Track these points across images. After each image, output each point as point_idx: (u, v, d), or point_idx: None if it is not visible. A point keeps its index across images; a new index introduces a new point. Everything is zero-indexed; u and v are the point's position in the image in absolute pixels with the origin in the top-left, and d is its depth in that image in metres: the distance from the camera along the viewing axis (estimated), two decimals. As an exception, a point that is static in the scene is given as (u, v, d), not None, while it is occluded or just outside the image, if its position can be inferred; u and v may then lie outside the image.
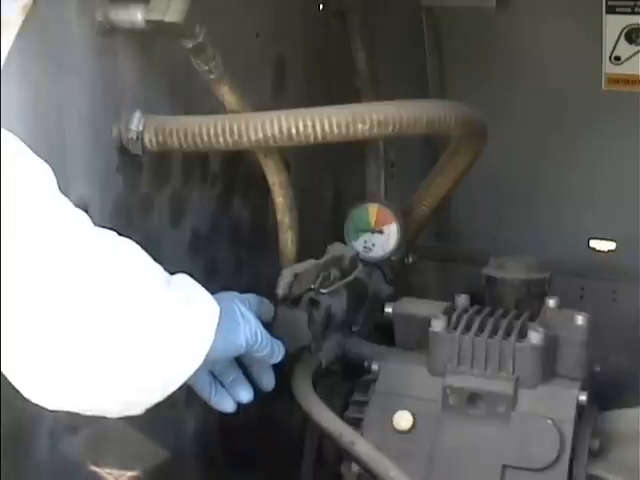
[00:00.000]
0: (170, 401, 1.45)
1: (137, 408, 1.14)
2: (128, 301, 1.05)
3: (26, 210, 0.97)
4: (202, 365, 1.15)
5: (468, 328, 1.45)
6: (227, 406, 1.34)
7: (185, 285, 1.17)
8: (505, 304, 1.59)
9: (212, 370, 1.33)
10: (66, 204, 1.03)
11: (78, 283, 1.01)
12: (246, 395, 1.35)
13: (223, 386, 1.34)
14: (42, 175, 1.01)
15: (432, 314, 1.47)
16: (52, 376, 1.03)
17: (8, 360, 1.00)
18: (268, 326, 1.33)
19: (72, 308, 1.00)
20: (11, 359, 1.00)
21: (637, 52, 1.90)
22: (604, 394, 1.51)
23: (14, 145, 0.99)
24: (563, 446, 1.36)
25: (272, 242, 1.56)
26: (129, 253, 1.09)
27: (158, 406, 1.39)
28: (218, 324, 1.16)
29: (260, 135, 1.31)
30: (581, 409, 1.40)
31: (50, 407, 1.07)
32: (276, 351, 1.33)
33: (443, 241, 2.16)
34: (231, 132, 1.31)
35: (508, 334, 1.44)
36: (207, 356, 1.15)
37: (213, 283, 1.25)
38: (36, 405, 1.19)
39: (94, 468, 1.29)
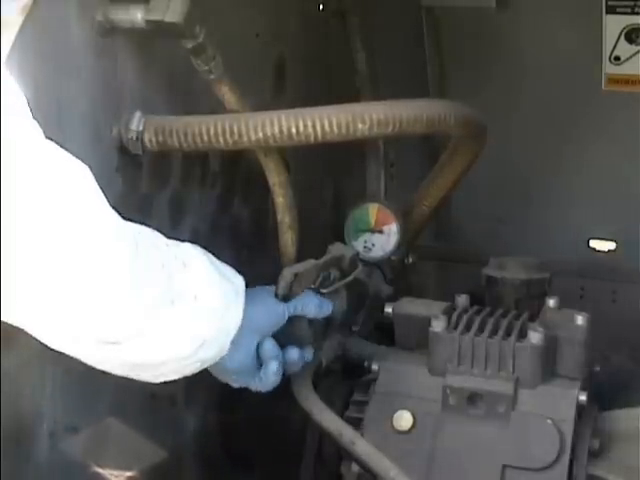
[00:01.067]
0: (170, 400, 1.46)
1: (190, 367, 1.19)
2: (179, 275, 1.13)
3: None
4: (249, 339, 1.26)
5: (468, 328, 1.45)
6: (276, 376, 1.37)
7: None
8: (505, 304, 1.59)
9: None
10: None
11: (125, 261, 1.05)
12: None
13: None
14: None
15: (432, 314, 1.47)
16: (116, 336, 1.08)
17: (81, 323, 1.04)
18: None
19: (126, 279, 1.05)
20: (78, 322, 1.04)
21: (637, 52, 1.90)
22: (604, 394, 1.51)
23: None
24: (563, 446, 1.36)
25: (272, 242, 1.56)
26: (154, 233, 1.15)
27: (158, 406, 1.40)
28: (247, 294, 1.24)
29: (260, 135, 1.31)
30: (581, 409, 1.40)
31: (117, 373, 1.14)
32: (324, 305, 1.40)
33: (443, 241, 2.16)
34: (231, 132, 1.31)
35: (508, 334, 1.44)
36: (251, 323, 1.24)
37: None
38: (36, 405, 1.20)
39: (94, 468, 1.29)
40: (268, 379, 1.34)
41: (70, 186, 1.00)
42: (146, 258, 1.09)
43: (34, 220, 0.96)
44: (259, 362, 1.33)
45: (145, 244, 1.10)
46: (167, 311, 1.11)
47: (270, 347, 1.33)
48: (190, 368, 1.20)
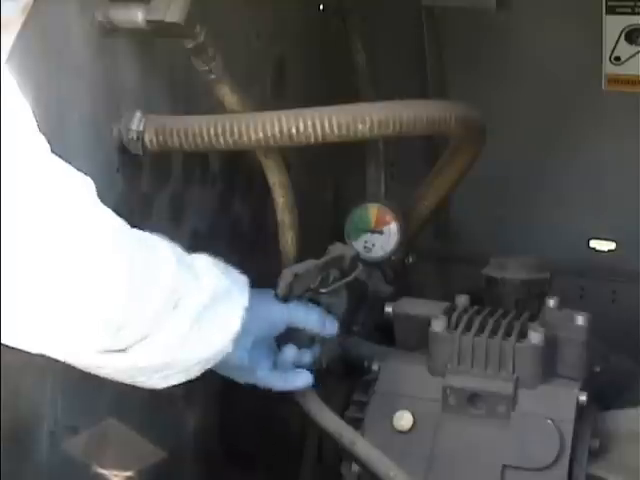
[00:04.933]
0: (170, 400, 1.46)
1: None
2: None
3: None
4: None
5: (468, 328, 1.45)
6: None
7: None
8: (505, 304, 1.59)
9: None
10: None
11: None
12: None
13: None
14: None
15: (432, 314, 1.47)
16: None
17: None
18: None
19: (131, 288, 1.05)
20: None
21: (637, 52, 1.90)
22: (604, 394, 1.51)
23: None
24: (563, 446, 1.36)
25: (272, 242, 1.56)
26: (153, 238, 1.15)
27: (158, 405, 1.40)
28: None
29: (260, 135, 1.31)
30: (581, 409, 1.40)
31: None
32: (327, 324, 1.38)
33: (443, 241, 2.16)
34: (231, 132, 1.31)
35: (508, 334, 1.44)
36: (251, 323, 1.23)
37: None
38: (36, 405, 1.20)
39: (95, 468, 1.29)
40: (292, 384, 1.36)
41: (69, 198, 1.00)
42: (146, 265, 1.08)
43: (32, 232, 0.95)
44: (256, 361, 1.34)
45: (146, 250, 1.10)
46: (170, 315, 1.11)
47: (293, 354, 1.36)
48: (196, 368, 1.20)
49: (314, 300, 1.44)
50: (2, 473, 1.12)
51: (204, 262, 1.21)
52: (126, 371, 1.14)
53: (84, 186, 1.03)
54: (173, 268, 1.12)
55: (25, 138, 0.96)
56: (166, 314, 1.11)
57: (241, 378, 1.35)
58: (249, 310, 1.23)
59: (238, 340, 1.22)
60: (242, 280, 1.25)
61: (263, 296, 1.32)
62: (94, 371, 1.13)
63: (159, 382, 1.19)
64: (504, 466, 1.37)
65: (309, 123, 1.30)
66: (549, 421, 1.37)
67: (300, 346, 1.40)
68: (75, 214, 1.00)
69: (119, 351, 1.09)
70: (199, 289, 1.16)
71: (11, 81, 0.96)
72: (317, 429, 1.44)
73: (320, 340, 1.44)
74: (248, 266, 1.29)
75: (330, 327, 1.40)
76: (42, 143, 0.99)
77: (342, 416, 1.43)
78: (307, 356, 1.38)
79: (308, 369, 1.38)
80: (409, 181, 1.95)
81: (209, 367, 1.22)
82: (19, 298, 0.97)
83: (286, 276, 1.36)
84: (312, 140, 1.32)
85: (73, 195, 1.01)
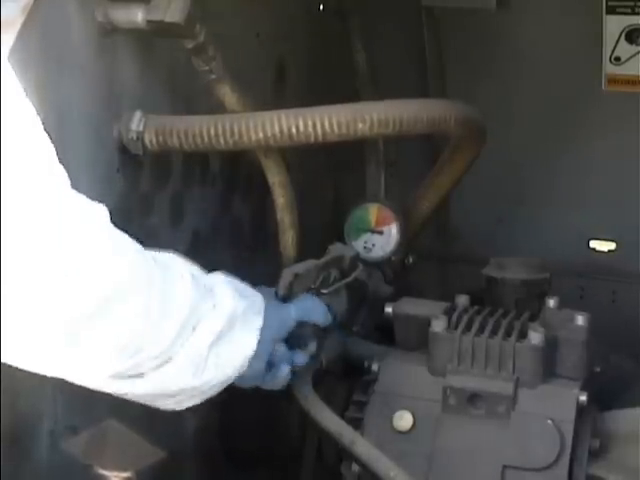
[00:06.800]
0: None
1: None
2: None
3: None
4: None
5: (468, 328, 1.45)
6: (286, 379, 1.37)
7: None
8: (505, 304, 1.58)
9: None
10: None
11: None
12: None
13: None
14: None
15: (432, 314, 1.47)
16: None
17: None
18: None
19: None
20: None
21: (637, 52, 1.90)
22: (604, 394, 1.51)
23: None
24: (563, 446, 1.36)
25: (272, 242, 1.56)
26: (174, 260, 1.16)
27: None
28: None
29: (260, 135, 1.31)
30: (581, 409, 1.40)
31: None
32: (329, 315, 1.40)
33: (443, 241, 2.16)
34: (231, 132, 1.31)
35: (508, 334, 1.44)
36: (266, 333, 1.24)
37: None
38: (36, 405, 1.19)
39: (94, 468, 1.29)
40: (278, 381, 1.34)
41: (82, 228, 0.99)
42: (164, 291, 1.08)
43: (49, 260, 0.95)
44: (269, 364, 1.34)
45: (163, 275, 1.09)
46: (188, 339, 1.12)
47: (283, 351, 1.33)
48: (211, 391, 1.20)
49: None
50: (2, 473, 1.12)
51: (221, 283, 1.21)
52: (141, 397, 1.14)
53: (99, 216, 1.02)
54: (190, 293, 1.12)
55: (43, 171, 0.95)
56: (183, 338, 1.11)
57: (243, 383, 1.35)
58: (265, 323, 1.24)
59: (256, 353, 1.23)
60: (257, 300, 1.25)
61: (270, 298, 1.32)
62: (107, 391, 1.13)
63: (174, 406, 1.20)
64: (504, 466, 1.37)
65: (309, 122, 1.31)
66: (549, 421, 1.37)
67: (300, 344, 1.40)
68: (91, 243, 0.99)
69: (135, 377, 1.10)
70: (216, 313, 1.16)
71: (31, 111, 0.95)
72: (317, 429, 1.44)
73: (321, 337, 1.45)
74: (248, 266, 1.30)
75: (329, 317, 1.41)
76: (61, 175, 0.98)
77: (342, 416, 1.43)
78: (299, 356, 1.38)
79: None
80: (409, 181, 1.95)
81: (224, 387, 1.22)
82: (35, 324, 0.97)
83: (286, 276, 1.36)
84: (312, 139, 1.32)
85: (89, 226, 1.00)
